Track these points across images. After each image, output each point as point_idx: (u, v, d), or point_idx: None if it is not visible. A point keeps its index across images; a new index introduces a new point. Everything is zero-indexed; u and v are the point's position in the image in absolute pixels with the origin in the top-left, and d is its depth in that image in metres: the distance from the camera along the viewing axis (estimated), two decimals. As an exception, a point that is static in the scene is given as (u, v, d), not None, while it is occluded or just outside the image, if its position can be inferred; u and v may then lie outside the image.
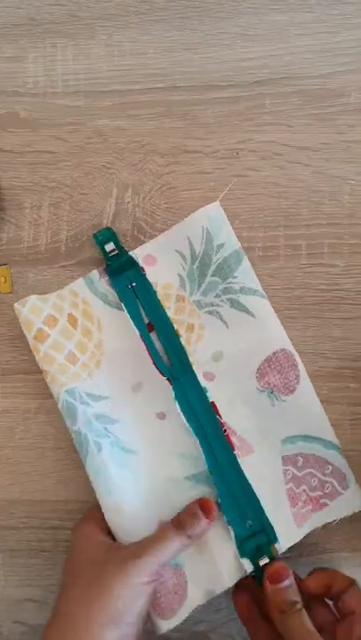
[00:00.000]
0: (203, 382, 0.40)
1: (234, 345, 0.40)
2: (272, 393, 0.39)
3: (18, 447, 0.43)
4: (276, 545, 0.38)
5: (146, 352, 0.40)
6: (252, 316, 0.40)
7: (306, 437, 0.39)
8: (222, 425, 0.40)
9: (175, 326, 0.40)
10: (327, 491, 0.39)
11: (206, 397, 0.40)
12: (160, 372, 0.40)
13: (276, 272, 0.42)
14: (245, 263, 0.41)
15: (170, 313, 0.41)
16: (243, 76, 0.42)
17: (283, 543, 0.38)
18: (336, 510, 0.39)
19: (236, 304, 0.40)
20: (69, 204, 0.43)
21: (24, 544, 0.42)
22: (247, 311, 0.40)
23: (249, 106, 0.42)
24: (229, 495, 0.38)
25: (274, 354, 0.40)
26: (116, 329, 0.41)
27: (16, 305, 0.40)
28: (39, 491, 0.43)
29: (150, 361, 0.40)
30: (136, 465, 0.40)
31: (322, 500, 0.39)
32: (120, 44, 0.43)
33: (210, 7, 0.43)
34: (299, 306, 0.42)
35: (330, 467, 0.39)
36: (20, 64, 0.44)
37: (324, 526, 0.40)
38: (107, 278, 0.41)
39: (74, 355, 0.40)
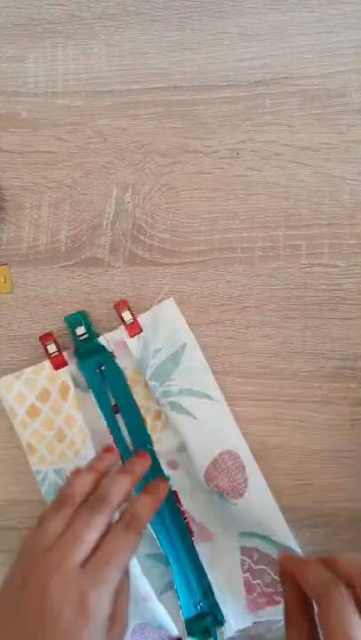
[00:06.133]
0: (166, 471, 0.40)
1: (193, 439, 0.40)
2: (222, 496, 0.39)
3: (18, 447, 0.43)
4: (224, 627, 0.39)
5: (111, 438, 0.40)
6: (194, 417, 0.40)
7: (260, 536, 0.39)
8: (182, 513, 0.40)
9: (142, 412, 0.41)
10: (280, 589, 0.38)
11: (169, 486, 0.40)
12: (122, 459, 0.40)
13: (276, 272, 0.42)
14: (185, 364, 0.40)
15: (137, 398, 0.41)
16: (243, 75, 0.42)
17: (231, 625, 0.39)
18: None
19: (175, 407, 0.40)
20: (69, 204, 0.43)
21: (24, 544, 0.42)
22: (187, 413, 0.40)
23: (249, 106, 0.42)
24: (183, 577, 0.39)
25: (220, 455, 0.39)
26: (89, 410, 0.41)
27: (9, 377, 0.40)
28: (39, 491, 0.42)
29: (114, 446, 0.40)
30: None
31: (276, 598, 0.39)
32: (120, 44, 0.43)
33: (210, 7, 0.43)
34: (299, 306, 0.42)
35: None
36: (21, 64, 0.44)
37: (324, 527, 0.40)
38: (75, 360, 0.41)
39: (62, 431, 0.40)
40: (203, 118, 0.43)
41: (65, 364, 0.41)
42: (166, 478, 0.40)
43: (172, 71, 0.43)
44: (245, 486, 0.39)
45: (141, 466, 0.38)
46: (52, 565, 0.30)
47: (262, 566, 0.39)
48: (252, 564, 0.39)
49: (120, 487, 0.34)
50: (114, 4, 0.43)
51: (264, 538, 0.39)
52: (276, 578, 0.38)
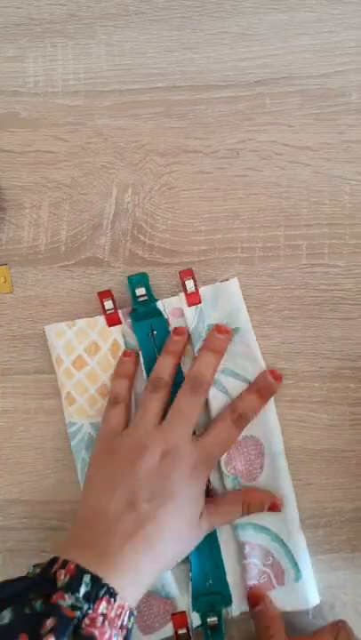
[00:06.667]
0: None
1: None
2: (236, 478, 0.40)
3: (18, 447, 0.43)
4: (229, 608, 0.39)
5: None
6: (230, 397, 0.40)
7: (256, 527, 0.39)
8: (210, 491, 0.40)
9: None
10: (263, 581, 0.39)
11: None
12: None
13: (277, 272, 0.42)
14: (234, 347, 0.40)
15: (184, 368, 0.41)
16: (243, 75, 0.42)
17: (235, 609, 0.39)
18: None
19: (216, 383, 0.40)
20: (69, 203, 0.43)
21: (24, 544, 0.42)
22: (225, 392, 0.40)
23: (249, 105, 0.42)
24: (198, 552, 0.39)
25: (243, 438, 0.40)
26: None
27: (62, 325, 0.41)
28: (39, 491, 0.42)
29: None
30: None
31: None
32: (120, 44, 0.43)
33: (210, 7, 0.43)
34: (299, 306, 0.42)
35: (270, 559, 0.39)
36: (21, 64, 0.44)
37: (324, 527, 0.40)
38: (129, 321, 0.41)
39: (105, 387, 0.41)
40: (203, 118, 0.43)
41: (119, 321, 0.41)
42: None
43: (172, 71, 0.43)
44: (261, 472, 0.40)
45: (224, 340, 0.40)
46: (171, 439, 0.37)
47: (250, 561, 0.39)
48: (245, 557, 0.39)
49: (209, 366, 0.40)
50: (114, 3, 0.43)
51: (259, 527, 0.39)
52: (263, 568, 0.39)
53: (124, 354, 0.41)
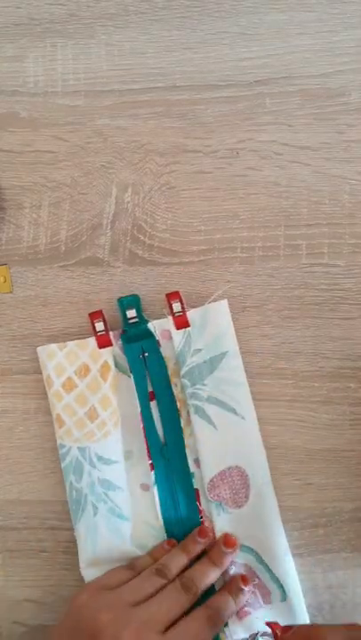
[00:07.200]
0: (192, 467, 0.40)
1: (207, 447, 0.40)
2: (220, 505, 0.40)
3: (17, 447, 0.43)
4: (226, 630, 0.38)
5: (141, 426, 0.40)
6: (214, 427, 0.40)
7: (242, 546, 0.39)
8: (200, 512, 0.40)
9: (178, 405, 0.41)
10: (251, 600, 0.39)
11: (192, 483, 0.40)
12: (148, 452, 0.40)
13: (276, 272, 0.42)
14: (220, 373, 0.40)
15: (175, 390, 0.41)
16: (243, 75, 0.42)
17: (231, 633, 0.38)
18: (258, 621, 0.38)
19: (199, 412, 0.40)
20: (69, 203, 0.43)
21: (23, 544, 0.42)
22: (209, 421, 0.40)
23: (249, 105, 0.42)
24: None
25: (228, 469, 0.40)
26: (123, 395, 0.41)
27: (53, 346, 0.41)
28: (39, 491, 0.42)
29: (143, 435, 0.40)
30: (126, 531, 0.40)
31: (245, 609, 0.39)
32: (120, 44, 0.43)
33: (210, 7, 0.43)
34: (299, 306, 0.42)
35: (256, 579, 0.39)
36: (20, 64, 0.44)
37: (324, 527, 0.40)
38: (120, 342, 0.41)
39: (95, 410, 0.40)
40: (202, 118, 0.43)
41: (110, 343, 0.41)
42: (191, 475, 0.40)
43: (172, 71, 0.43)
44: (246, 501, 0.39)
45: (229, 557, 0.39)
46: (140, 623, 0.34)
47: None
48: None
49: (207, 578, 0.37)
50: (114, 3, 0.43)
51: (248, 550, 0.39)
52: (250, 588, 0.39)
53: (168, 543, 0.40)
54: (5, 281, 0.43)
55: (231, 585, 0.38)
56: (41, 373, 0.41)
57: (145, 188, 0.43)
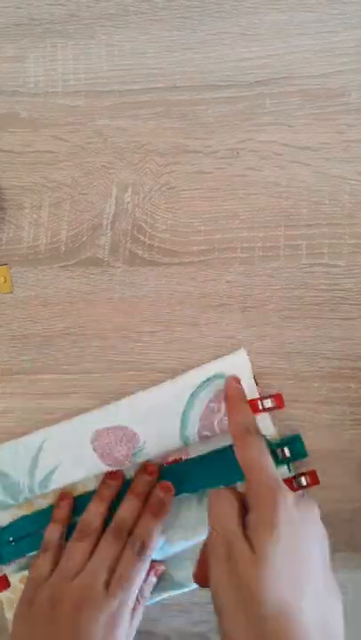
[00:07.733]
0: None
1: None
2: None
3: (17, 447, 0.43)
4: None
5: None
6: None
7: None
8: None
9: None
10: None
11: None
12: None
13: (276, 272, 0.42)
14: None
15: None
16: (243, 75, 0.42)
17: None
18: None
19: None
20: (69, 203, 0.43)
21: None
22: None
23: (249, 106, 0.42)
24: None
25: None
26: None
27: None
28: (39, 491, 0.42)
29: None
30: None
31: None
32: (120, 44, 0.43)
33: (210, 7, 0.43)
34: (299, 306, 0.42)
35: None
36: (21, 64, 0.44)
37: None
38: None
39: None
40: (203, 118, 0.43)
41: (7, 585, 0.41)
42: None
43: (172, 71, 0.43)
44: None
45: (165, 505, 0.39)
46: (84, 590, 0.35)
47: None
48: None
49: (133, 518, 0.38)
50: (114, 3, 0.43)
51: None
52: None
53: (61, 497, 0.40)
54: (5, 281, 0.43)
55: (152, 503, 0.39)
56: (41, 373, 0.41)
57: (145, 189, 0.43)
